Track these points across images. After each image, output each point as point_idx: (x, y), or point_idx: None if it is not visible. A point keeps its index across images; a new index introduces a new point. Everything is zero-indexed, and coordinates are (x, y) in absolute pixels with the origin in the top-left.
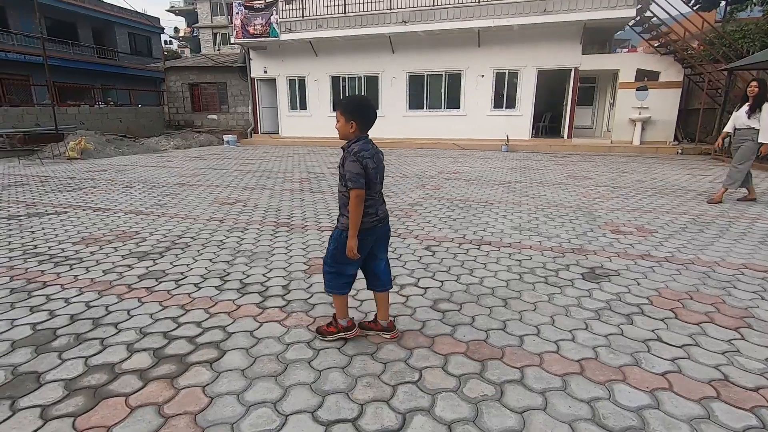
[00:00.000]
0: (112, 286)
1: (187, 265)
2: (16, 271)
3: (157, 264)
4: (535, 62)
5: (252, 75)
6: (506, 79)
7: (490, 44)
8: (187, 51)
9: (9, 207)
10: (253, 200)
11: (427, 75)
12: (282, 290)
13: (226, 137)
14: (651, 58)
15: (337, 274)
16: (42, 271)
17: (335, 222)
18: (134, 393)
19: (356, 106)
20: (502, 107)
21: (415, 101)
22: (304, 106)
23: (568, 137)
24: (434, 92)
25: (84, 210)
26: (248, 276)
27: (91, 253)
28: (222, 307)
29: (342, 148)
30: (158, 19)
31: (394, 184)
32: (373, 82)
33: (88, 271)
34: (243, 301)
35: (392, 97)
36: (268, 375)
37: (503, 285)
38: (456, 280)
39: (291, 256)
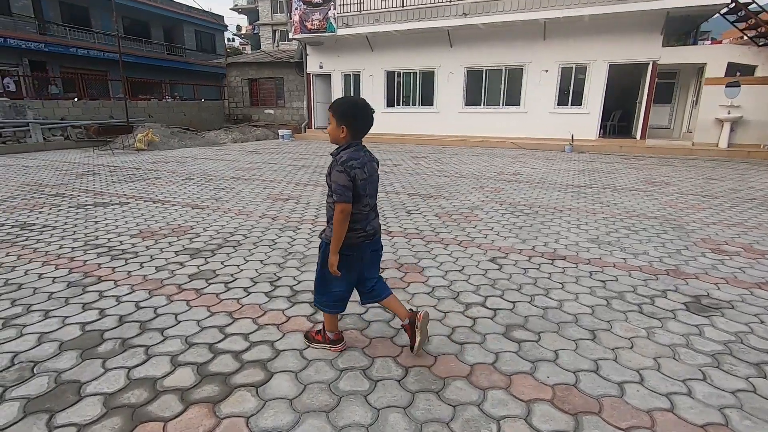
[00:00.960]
0: (162, 285)
1: (238, 265)
2: (75, 263)
3: (208, 263)
4: (606, 56)
5: (308, 70)
6: (573, 74)
7: (557, 37)
8: (247, 48)
9: (79, 196)
10: (306, 197)
11: (486, 70)
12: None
13: (281, 132)
14: (746, 50)
15: (324, 290)
16: (99, 265)
17: (390, 224)
18: (173, 419)
19: (348, 108)
20: (566, 104)
21: (472, 97)
22: None
23: (641, 138)
24: (493, 88)
25: (145, 201)
26: (299, 282)
27: (146, 247)
28: (271, 317)
29: (331, 154)
30: (222, 17)
31: (450, 184)
32: (428, 77)
33: (142, 267)
34: (293, 312)
35: (448, 93)
36: (319, 409)
37: (588, 312)
38: (530, 302)
39: None
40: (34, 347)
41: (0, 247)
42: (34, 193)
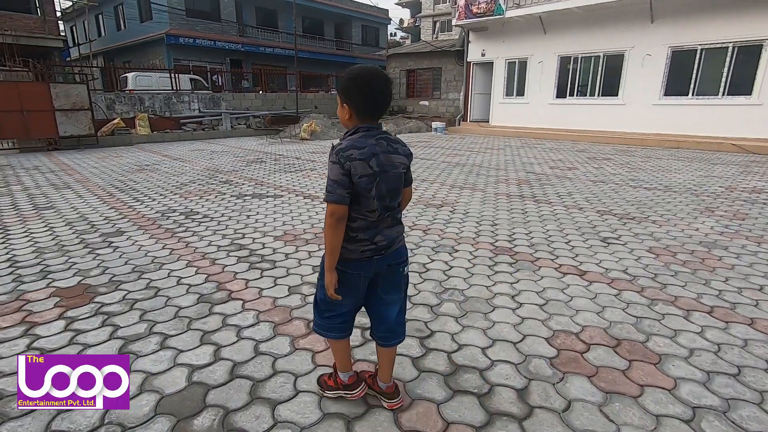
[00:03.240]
0: (290, 318)
1: None
2: (215, 268)
3: None
4: None
5: (468, 59)
6: None
7: None
8: (407, 41)
9: (242, 185)
10: (463, 204)
11: (702, 49)
12: (515, 395)
13: (434, 124)
14: None
15: (323, 312)
16: (234, 274)
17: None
18: None
19: (349, 80)
20: None
21: (676, 86)
22: (521, 92)
23: None
24: (709, 73)
25: (297, 195)
26: (460, 347)
27: (285, 255)
28: (424, 410)
29: (333, 144)
30: (387, 10)
31: (656, 201)
32: (615, 62)
33: (275, 285)
34: (455, 406)
35: (641, 80)
36: None
37: None
38: None
39: (522, 319)
40: (132, 397)
41: (162, 237)
42: (210, 178)
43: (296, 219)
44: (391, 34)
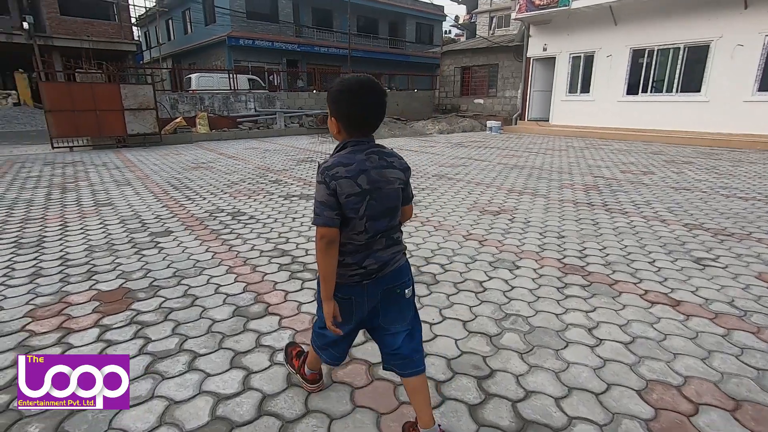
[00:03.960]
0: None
1: (429, 324)
2: (254, 276)
3: None
4: None
5: (528, 54)
6: None
7: None
8: (462, 38)
9: (291, 185)
10: (523, 212)
11: None
12: None
13: (489, 123)
14: None
15: (321, 333)
16: (274, 284)
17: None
18: None
19: (335, 91)
20: None
21: None
22: (585, 89)
23: None
24: None
25: None
26: (528, 393)
27: None
28: None
29: (319, 162)
30: (442, 7)
31: (758, 215)
32: (697, 54)
33: (311, 301)
34: None
35: (729, 74)
36: None
37: None
38: None
39: (603, 361)
40: (150, 431)
41: (206, 238)
42: (260, 177)
43: None
44: (445, 31)
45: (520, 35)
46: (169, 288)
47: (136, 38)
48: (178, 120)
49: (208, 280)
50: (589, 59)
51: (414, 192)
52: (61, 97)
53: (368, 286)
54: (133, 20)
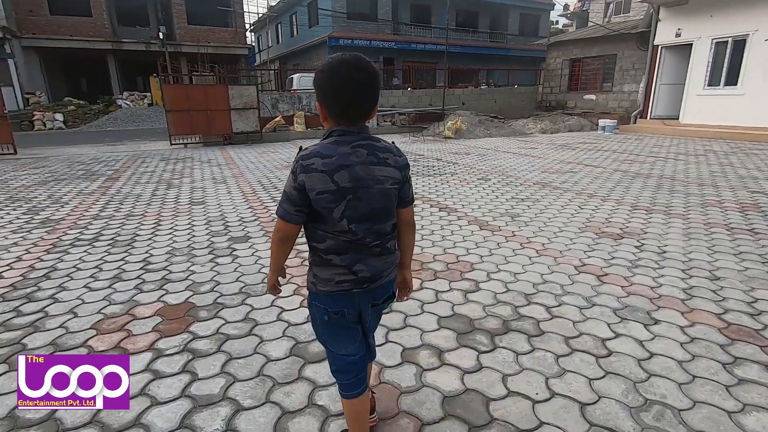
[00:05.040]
0: (398, 411)
1: (531, 402)
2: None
3: (482, 368)
4: None
5: (656, 41)
6: None
7: None
8: (571, 29)
9: None
10: (655, 237)
11: None
12: None
13: (602, 122)
14: None
15: (331, 352)
16: None
17: None
18: None
19: (319, 72)
20: None
21: None
22: (732, 81)
23: None
24: None
25: (431, 205)
26: None
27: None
28: None
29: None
30: None
31: None
32: None
33: (386, 341)
34: None
35: None
36: None
37: None
38: None
39: None
40: None
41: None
42: None
43: (426, 239)
44: (553, 22)
45: (646, 20)
46: (231, 308)
47: (249, 43)
48: (277, 119)
49: (272, 302)
50: (739, 44)
51: (512, 201)
52: (179, 99)
53: (359, 296)
54: (248, 26)
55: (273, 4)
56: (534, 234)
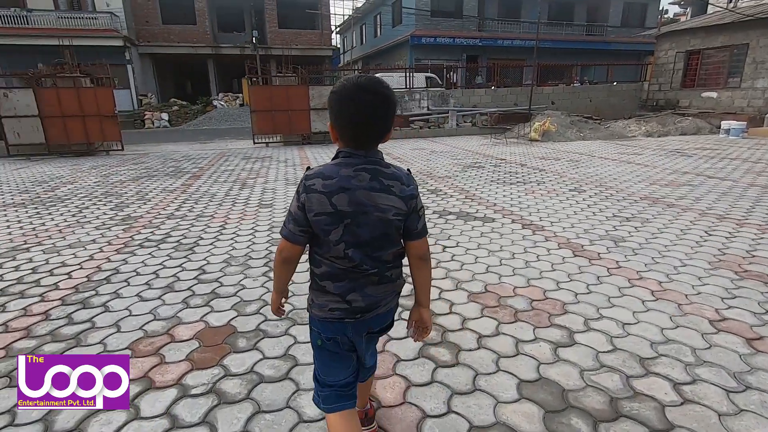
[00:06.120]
0: None
1: None
2: None
3: None
4: None
5: None
6: None
7: None
8: (684, 18)
9: (450, 197)
10: None
11: None
12: None
13: (725, 124)
14: None
15: (317, 382)
16: (394, 362)
17: None
18: None
19: (331, 94)
20: None
21: None
22: None
23: None
24: None
25: (513, 221)
26: None
27: (476, 336)
28: None
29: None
30: None
31: None
32: None
33: (451, 395)
34: None
35: None
36: None
37: None
38: None
39: None
40: None
41: None
42: (419, 184)
43: (506, 264)
44: (663, 11)
45: None
46: (273, 338)
47: (334, 44)
48: None
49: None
50: None
51: (614, 221)
52: (263, 99)
53: (352, 326)
54: (334, 28)
55: (359, 5)
56: (646, 267)
